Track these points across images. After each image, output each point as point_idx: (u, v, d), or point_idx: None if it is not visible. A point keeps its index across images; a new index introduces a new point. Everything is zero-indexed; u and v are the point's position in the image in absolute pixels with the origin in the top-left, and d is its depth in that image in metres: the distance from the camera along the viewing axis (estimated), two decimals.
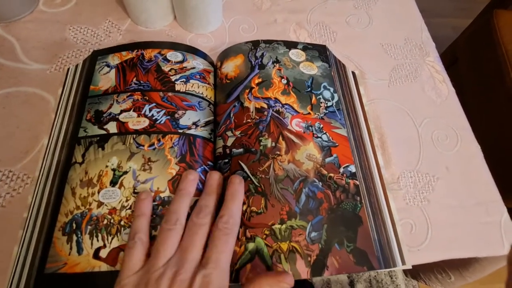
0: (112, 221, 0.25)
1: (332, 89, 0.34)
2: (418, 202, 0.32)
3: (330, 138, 0.31)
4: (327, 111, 0.32)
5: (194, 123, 0.30)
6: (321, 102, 0.33)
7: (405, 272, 0.55)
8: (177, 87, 0.32)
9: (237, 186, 0.26)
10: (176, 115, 0.30)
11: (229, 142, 0.30)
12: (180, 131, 0.29)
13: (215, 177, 0.27)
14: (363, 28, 0.44)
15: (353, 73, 0.38)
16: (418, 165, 0.34)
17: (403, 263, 0.27)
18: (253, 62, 0.34)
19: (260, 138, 0.29)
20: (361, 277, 0.61)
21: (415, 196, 0.33)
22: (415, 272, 0.48)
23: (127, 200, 0.26)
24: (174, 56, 0.34)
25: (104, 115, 0.30)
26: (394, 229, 0.29)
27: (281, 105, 0.32)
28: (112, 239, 0.25)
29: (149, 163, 0.28)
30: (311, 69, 0.35)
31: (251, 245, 0.25)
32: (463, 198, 0.33)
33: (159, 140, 0.29)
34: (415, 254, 0.30)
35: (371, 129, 0.34)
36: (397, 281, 0.64)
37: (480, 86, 0.78)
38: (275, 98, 0.32)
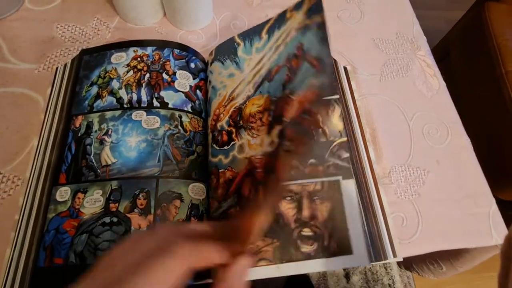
0: None
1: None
2: (409, 195, 0.33)
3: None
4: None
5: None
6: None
7: (399, 263, 0.56)
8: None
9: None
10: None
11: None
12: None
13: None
14: (354, 23, 0.44)
15: (345, 68, 0.38)
16: (409, 159, 0.35)
17: (394, 255, 0.28)
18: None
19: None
20: (356, 269, 0.62)
21: (406, 189, 0.33)
22: (408, 264, 0.48)
23: None
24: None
25: None
26: (385, 222, 0.29)
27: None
28: None
29: None
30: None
31: None
32: (453, 190, 0.34)
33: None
34: (406, 246, 0.30)
35: (362, 124, 0.34)
36: (392, 272, 0.65)
37: (472, 79, 0.78)
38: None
